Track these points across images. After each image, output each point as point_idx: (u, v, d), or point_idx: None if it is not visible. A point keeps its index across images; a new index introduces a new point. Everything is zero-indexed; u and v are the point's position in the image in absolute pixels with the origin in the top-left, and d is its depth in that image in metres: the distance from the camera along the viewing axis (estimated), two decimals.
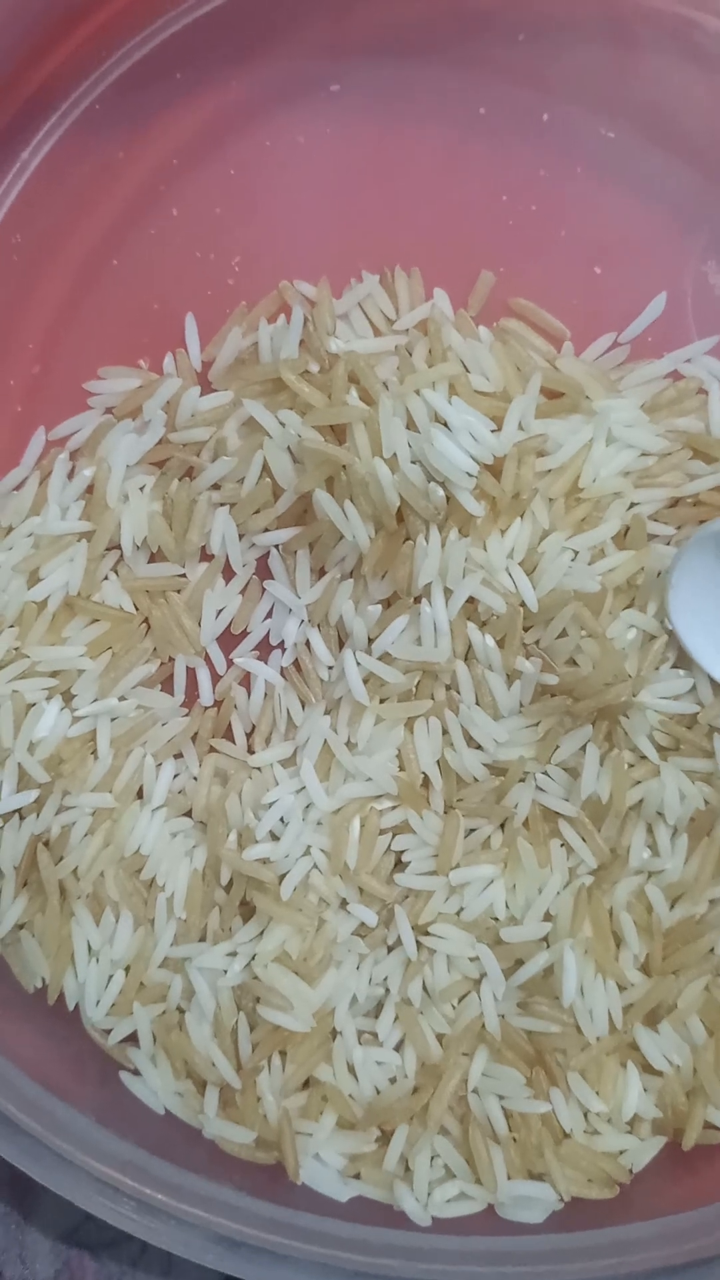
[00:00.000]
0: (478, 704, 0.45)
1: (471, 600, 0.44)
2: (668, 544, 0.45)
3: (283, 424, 0.44)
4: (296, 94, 0.45)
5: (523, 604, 0.44)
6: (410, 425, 0.43)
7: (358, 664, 0.45)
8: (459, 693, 0.45)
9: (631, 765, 0.45)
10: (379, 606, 0.45)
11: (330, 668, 0.46)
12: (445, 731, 0.45)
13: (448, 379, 0.44)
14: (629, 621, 0.45)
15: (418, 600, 0.45)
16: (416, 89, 0.45)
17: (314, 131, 0.45)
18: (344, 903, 0.45)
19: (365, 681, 0.45)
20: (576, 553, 0.44)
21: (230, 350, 0.46)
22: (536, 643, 0.45)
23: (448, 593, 0.44)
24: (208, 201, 0.45)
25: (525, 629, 0.44)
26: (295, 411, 0.44)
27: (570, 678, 0.44)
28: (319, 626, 0.46)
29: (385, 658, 0.45)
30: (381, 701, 0.46)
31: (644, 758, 0.45)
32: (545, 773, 0.45)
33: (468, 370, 0.44)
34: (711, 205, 0.45)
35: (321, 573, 0.46)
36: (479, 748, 0.45)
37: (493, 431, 0.43)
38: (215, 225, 0.45)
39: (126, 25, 0.44)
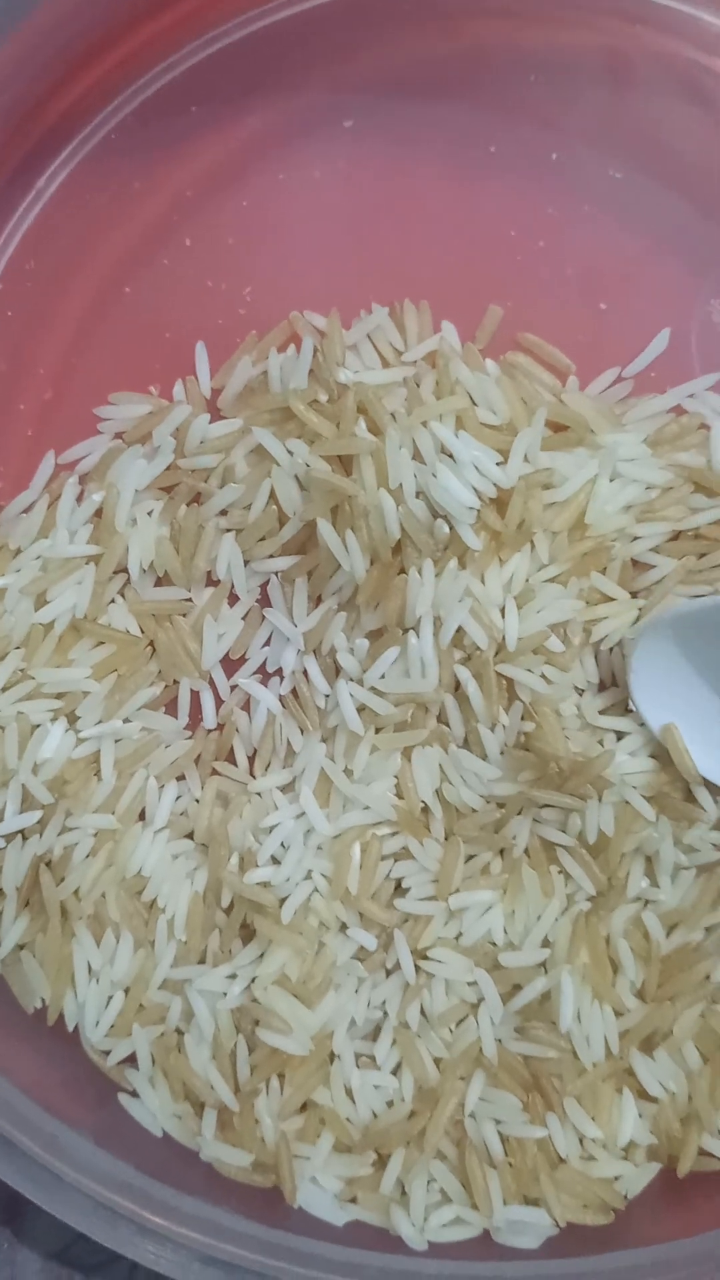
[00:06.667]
0: (466, 743, 0.45)
1: (462, 631, 0.44)
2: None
3: (291, 453, 0.44)
4: (311, 129, 0.45)
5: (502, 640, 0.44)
6: (417, 457, 0.44)
7: (350, 695, 0.45)
8: (449, 726, 0.45)
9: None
10: (365, 640, 0.45)
11: (327, 696, 0.46)
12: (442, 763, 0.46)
13: (455, 412, 0.44)
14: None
15: (406, 632, 0.45)
16: (428, 126, 0.45)
17: (327, 166, 0.46)
18: (344, 927, 0.46)
19: (360, 711, 0.46)
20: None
21: (240, 379, 0.46)
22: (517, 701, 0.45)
23: (438, 623, 0.44)
24: (221, 232, 0.46)
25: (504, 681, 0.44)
26: (304, 440, 0.44)
27: (539, 743, 0.44)
28: (315, 654, 0.47)
29: (376, 689, 0.45)
30: (377, 731, 0.46)
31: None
32: (540, 808, 0.45)
33: (475, 403, 0.45)
34: (715, 244, 0.45)
35: (319, 601, 0.46)
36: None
37: (498, 464, 0.44)
38: (228, 255, 0.46)
39: (145, 58, 0.45)
